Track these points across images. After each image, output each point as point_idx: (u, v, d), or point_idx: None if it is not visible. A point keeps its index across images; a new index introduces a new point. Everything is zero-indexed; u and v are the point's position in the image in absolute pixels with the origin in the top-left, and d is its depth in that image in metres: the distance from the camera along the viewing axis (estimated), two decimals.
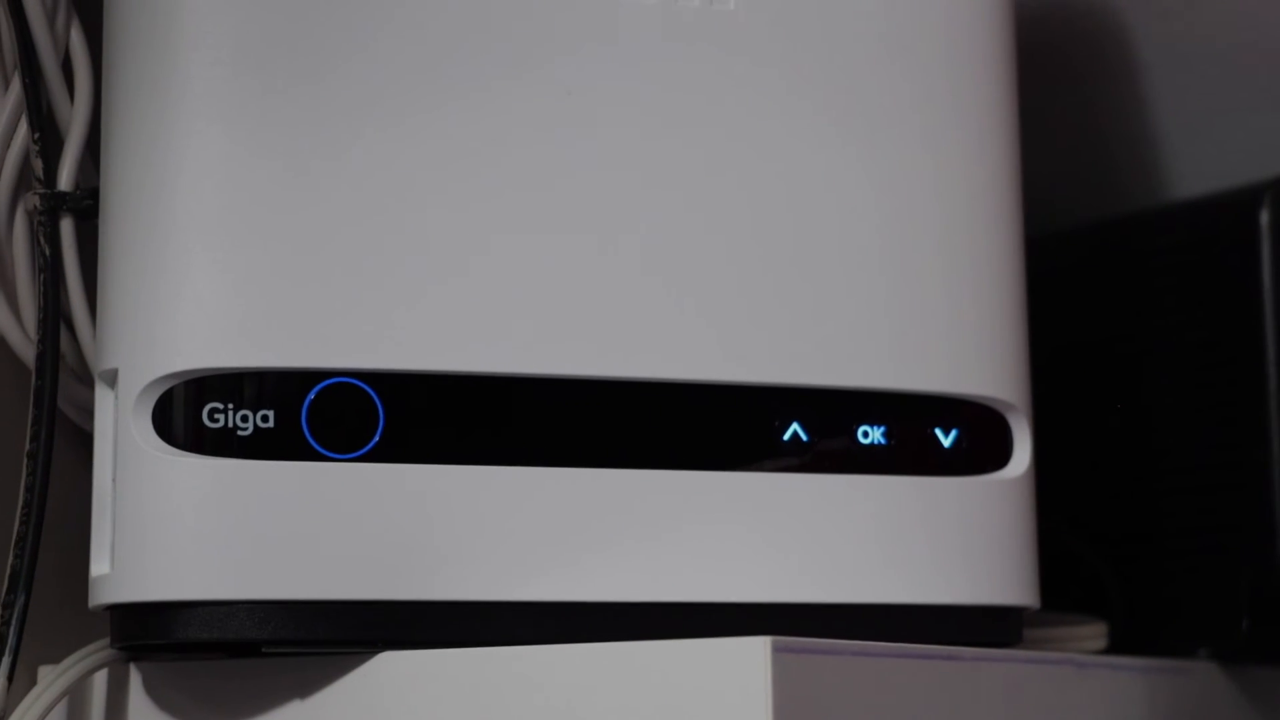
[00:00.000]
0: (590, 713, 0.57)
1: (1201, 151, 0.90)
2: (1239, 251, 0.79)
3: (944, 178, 0.69)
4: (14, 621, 0.65)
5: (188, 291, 0.62)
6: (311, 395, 0.62)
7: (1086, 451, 0.85)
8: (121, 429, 0.62)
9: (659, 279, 0.65)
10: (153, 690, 0.66)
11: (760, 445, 0.66)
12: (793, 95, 0.67)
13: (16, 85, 0.69)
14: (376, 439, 0.63)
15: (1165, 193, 0.91)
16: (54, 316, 0.67)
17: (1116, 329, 0.85)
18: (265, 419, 0.62)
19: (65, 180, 0.69)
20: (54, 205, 0.68)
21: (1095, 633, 0.80)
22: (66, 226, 0.69)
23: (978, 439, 0.68)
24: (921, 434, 0.68)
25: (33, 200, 0.69)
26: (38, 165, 0.69)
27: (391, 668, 0.62)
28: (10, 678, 0.65)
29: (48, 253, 0.68)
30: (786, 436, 0.66)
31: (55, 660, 0.67)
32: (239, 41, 0.63)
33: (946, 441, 0.68)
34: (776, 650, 0.55)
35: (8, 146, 0.69)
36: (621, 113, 0.65)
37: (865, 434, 0.67)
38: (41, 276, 0.68)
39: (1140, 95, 0.91)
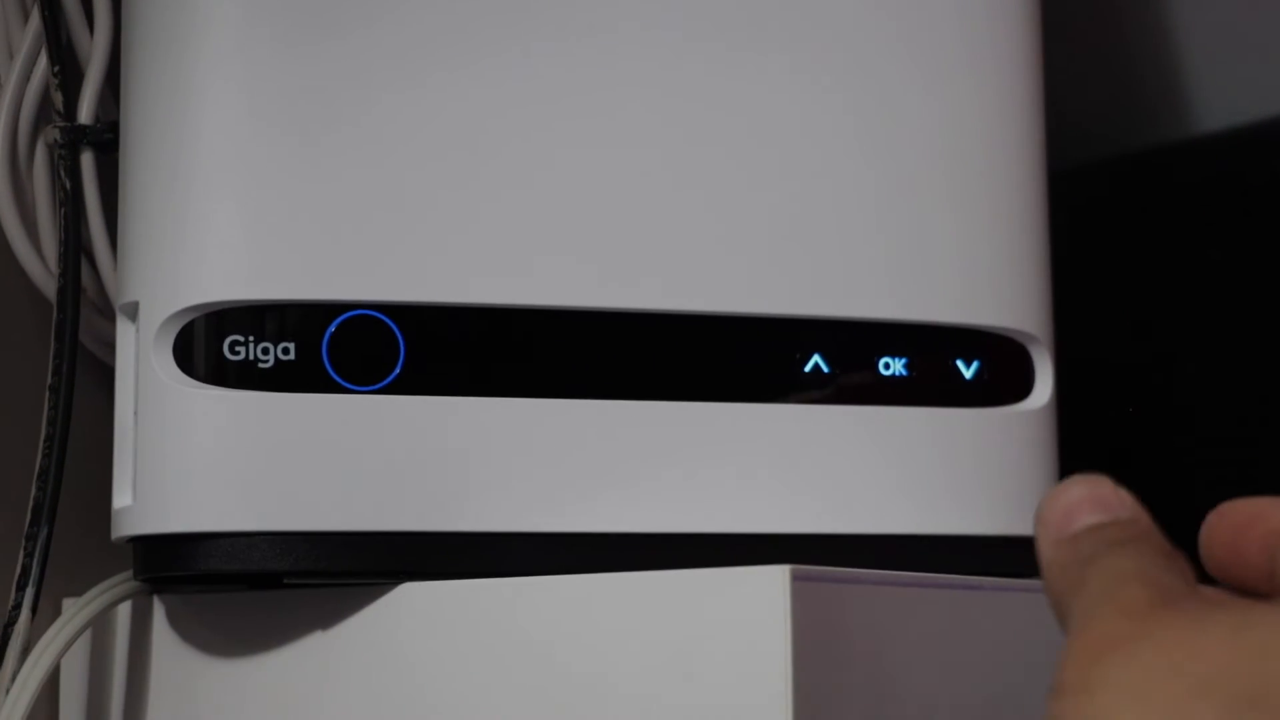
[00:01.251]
0: (611, 641, 0.58)
1: (1230, 83, 0.89)
2: (1268, 184, 0.78)
3: (963, 107, 0.68)
4: (37, 554, 0.66)
5: (208, 224, 0.62)
6: (332, 328, 0.62)
7: (1112, 388, 0.85)
8: (143, 362, 0.62)
9: (680, 212, 0.65)
10: (175, 621, 0.67)
11: (782, 377, 0.66)
12: (806, 25, 0.67)
13: (36, 18, 0.69)
14: (397, 371, 0.63)
15: (1194, 125, 0.90)
16: (75, 250, 0.67)
17: (1143, 263, 0.85)
18: (286, 351, 0.62)
19: (85, 114, 0.69)
20: (74, 139, 0.68)
21: None
22: (87, 160, 0.69)
23: (999, 370, 0.68)
24: (943, 365, 0.67)
25: (53, 134, 0.69)
26: (58, 99, 0.69)
27: (413, 598, 0.62)
28: (34, 610, 0.65)
29: (68, 186, 0.68)
30: (808, 368, 0.66)
31: (78, 593, 0.67)
32: None
33: (968, 373, 0.68)
34: (796, 579, 0.55)
35: (28, 80, 0.69)
36: (644, 51, 0.65)
37: (886, 365, 0.67)
38: (62, 210, 0.68)
39: (1169, 25, 0.90)
